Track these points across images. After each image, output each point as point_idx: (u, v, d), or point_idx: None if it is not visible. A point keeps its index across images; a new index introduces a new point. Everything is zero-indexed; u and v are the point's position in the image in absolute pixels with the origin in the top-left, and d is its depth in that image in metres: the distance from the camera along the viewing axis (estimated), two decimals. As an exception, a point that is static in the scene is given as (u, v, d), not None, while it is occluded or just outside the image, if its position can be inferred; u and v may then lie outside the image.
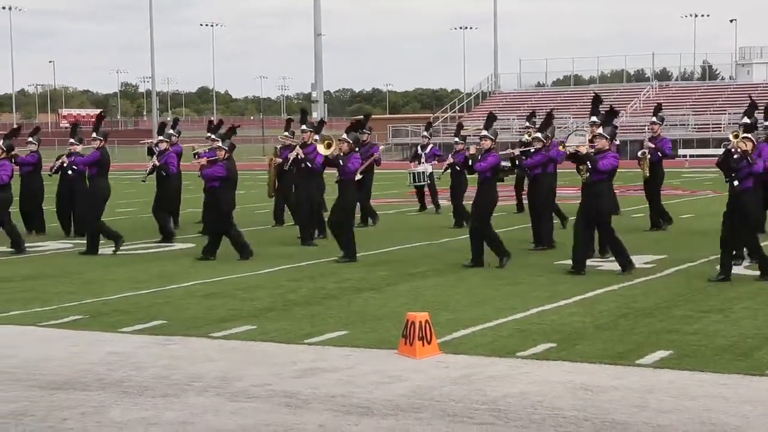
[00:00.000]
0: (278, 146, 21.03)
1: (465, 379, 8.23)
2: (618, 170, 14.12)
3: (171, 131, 21.19)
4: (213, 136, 19.36)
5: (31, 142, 20.89)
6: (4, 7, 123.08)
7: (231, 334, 10.18)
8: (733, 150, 13.10)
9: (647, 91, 68.39)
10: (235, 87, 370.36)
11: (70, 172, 19.71)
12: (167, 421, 7.22)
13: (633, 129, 61.62)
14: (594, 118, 15.73)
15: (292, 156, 18.13)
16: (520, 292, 12.49)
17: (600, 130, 14.25)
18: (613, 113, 14.68)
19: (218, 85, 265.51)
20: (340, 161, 15.43)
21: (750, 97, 15.72)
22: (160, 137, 19.19)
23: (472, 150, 14.66)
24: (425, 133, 23.86)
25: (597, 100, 16.02)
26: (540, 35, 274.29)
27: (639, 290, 12.48)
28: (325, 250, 16.75)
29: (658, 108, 20.03)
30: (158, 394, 7.95)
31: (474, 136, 20.95)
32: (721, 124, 56.98)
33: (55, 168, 19.99)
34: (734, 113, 54.00)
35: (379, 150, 21.94)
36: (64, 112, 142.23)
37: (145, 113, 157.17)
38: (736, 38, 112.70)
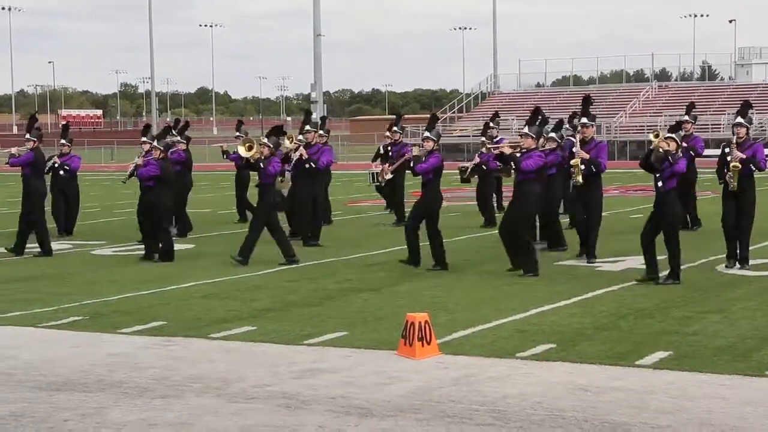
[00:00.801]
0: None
1: (464, 379, 8.24)
2: (617, 171, 14.16)
3: (173, 132, 21.42)
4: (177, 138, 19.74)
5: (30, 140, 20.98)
6: (3, 8, 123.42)
7: (231, 335, 10.19)
8: (653, 148, 13.14)
9: (647, 92, 68.40)
10: (234, 87, 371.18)
11: (61, 172, 20.08)
12: (167, 422, 7.22)
13: (633, 129, 61.65)
14: (584, 119, 15.30)
15: (295, 156, 18.12)
16: (519, 292, 12.49)
17: (526, 129, 14.21)
18: (537, 113, 14.65)
19: (218, 85, 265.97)
20: (261, 164, 15.42)
21: (747, 101, 15.18)
22: (144, 138, 19.14)
23: (415, 151, 14.70)
24: (388, 134, 23.80)
25: (587, 100, 15.61)
26: (539, 37, 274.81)
27: (638, 291, 12.48)
28: (326, 251, 16.76)
29: (691, 106, 19.77)
30: (158, 395, 7.96)
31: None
32: (720, 124, 56.96)
33: (47, 168, 20.22)
34: (734, 113, 53.89)
35: (411, 150, 21.84)
36: (64, 112, 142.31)
37: (144, 114, 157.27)
38: (735, 38, 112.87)
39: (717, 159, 14.24)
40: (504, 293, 12.46)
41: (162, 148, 16.17)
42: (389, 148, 21.83)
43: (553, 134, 17.07)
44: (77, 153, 21.68)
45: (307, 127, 18.54)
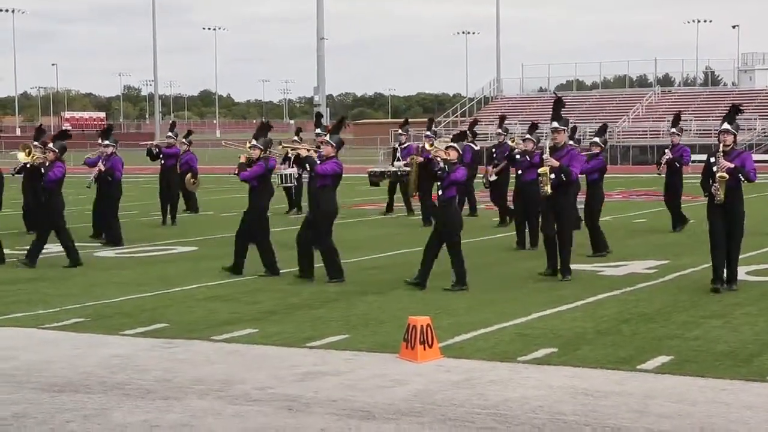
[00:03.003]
0: (420, 145, 21.82)
1: (466, 383, 8.25)
2: (620, 175, 14.06)
3: (170, 133, 22.72)
4: (101, 142, 20.02)
5: (36, 145, 21.41)
6: (6, 10, 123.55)
7: (233, 338, 10.20)
8: (434, 159, 13.15)
9: (650, 97, 68.43)
10: (237, 90, 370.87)
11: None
12: (168, 424, 7.23)
13: (636, 134, 61.67)
14: (555, 124, 14.16)
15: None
16: (521, 296, 12.50)
17: (327, 137, 14.12)
18: (340, 123, 14.57)
19: (221, 88, 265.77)
20: (42, 169, 15.59)
21: (735, 105, 13.94)
22: (107, 141, 19.17)
23: (242, 159, 14.81)
24: (296, 137, 23.96)
25: (558, 103, 14.45)
26: (543, 41, 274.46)
27: (640, 295, 12.49)
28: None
29: (474, 123, 19.93)
30: (160, 396, 7.97)
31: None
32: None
33: (18, 168, 20.83)
34: (736, 119, 53.74)
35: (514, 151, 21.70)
36: (67, 115, 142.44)
37: (147, 116, 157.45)
38: (738, 44, 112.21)
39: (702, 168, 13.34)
40: (506, 297, 12.47)
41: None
42: (493, 150, 21.83)
43: (596, 139, 17.14)
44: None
45: (318, 131, 18.62)
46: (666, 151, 20.17)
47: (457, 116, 72.65)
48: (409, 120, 27.26)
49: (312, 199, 14.03)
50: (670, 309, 11.51)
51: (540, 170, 13.91)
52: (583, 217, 17.21)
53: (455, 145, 13.22)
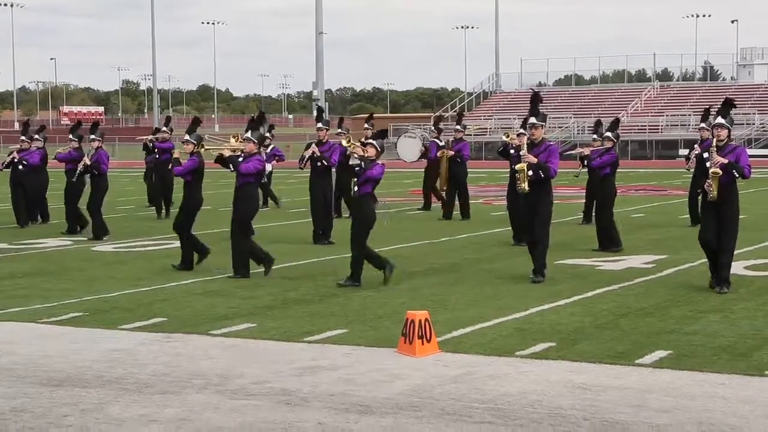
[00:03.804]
0: (450, 139, 22.41)
1: (464, 377, 8.24)
2: (621, 170, 13.94)
3: (164, 128, 23.23)
4: (71, 137, 20.19)
5: (37, 139, 22.13)
6: (5, 4, 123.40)
7: (231, 332, 10.19)
8: (349, 154, 13.21)
9: (648, 92, 68.37)
10: (236, 85, 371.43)
11: (20, 167, 21.14)
12: (166, 418, 7.23)
13: (634, 129, 61.64)
14: (533, 120, 13.59)
15: (307, 154, 18.15)
16: (519, 291, 12.49)
17: (248, 134, 14.10)
18: (261, 118, 14.54)
19: (219, 83, 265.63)
20: None
21: (729, 98, 12.74)
22: (92, 135, 19.23)
23: (176, 154, 14.84)
24: (268, 134, 24.07)
25: (536, 98, 13.86)
26: (541, 36, 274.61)
27: (639, 290, 12.49)
28: (326, 249, 16.78)
29: (437, 120, 20.00)
30: (158, 391, 7.97)
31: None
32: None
33: (6, 163, 21.55)
34: (735, 113, 53.77)
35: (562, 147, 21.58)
36: (65, 109, 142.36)
37: (146, 111, 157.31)
38: (737, 39, 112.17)
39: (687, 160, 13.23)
40: (504, 291, 12.46)
41: None
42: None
43: (609, 133, 17.08)
44: (41, 149, 22.03)
45: (319, 125, 18.57)
46: (695, 146, 19.92)
47: (455, 111, 72.55)
48: (408, 115, 27.45)
49: (234, 196, 14.09)
50: (669, 304, 11.51)
51: (517, 166, 13.55)
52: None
53: (374, 142, 13.22)
